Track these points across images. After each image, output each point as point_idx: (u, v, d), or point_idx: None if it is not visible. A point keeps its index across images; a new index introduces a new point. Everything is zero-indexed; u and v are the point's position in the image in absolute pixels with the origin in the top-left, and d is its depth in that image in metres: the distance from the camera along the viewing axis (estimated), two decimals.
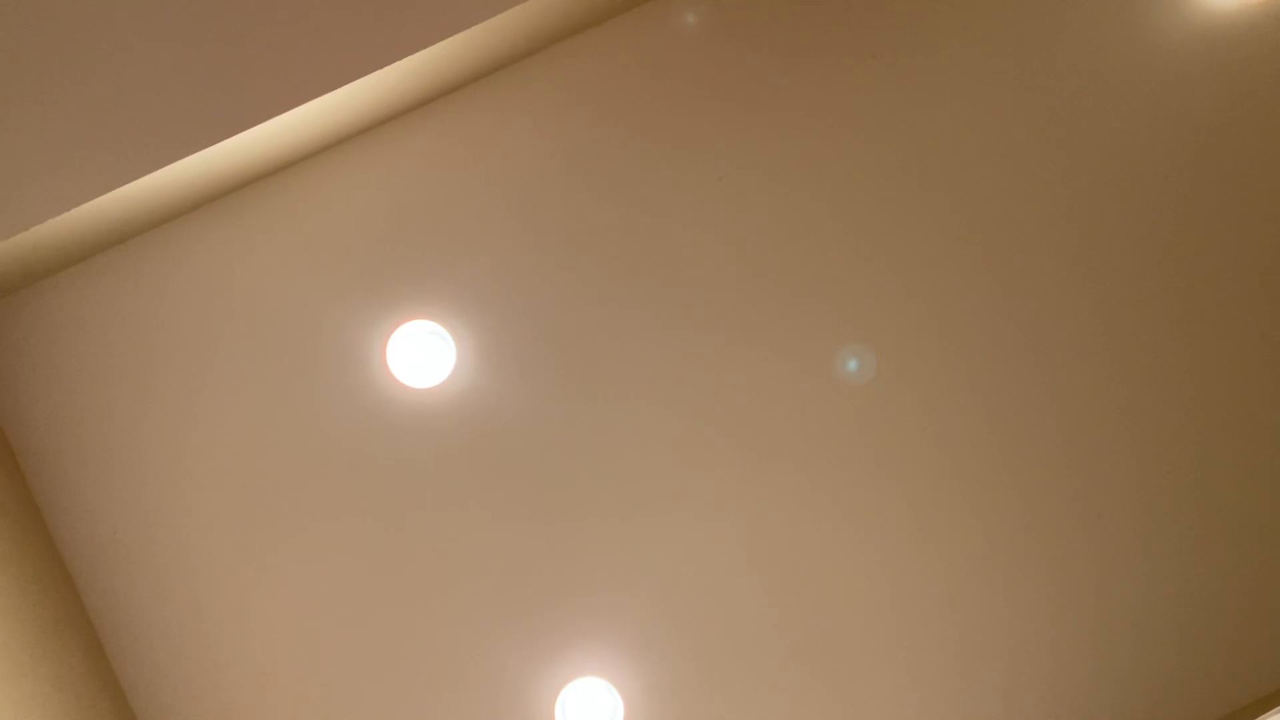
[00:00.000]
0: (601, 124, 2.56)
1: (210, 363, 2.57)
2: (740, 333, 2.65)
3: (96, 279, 2.52)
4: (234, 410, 2.59)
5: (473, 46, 2.29)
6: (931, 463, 2.70)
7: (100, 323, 2.53)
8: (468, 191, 2.57)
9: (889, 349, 2.66)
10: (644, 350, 2.65)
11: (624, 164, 2.58)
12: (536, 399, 2.66)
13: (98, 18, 2.09)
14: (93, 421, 2.56)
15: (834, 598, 2.74)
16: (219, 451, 2.60)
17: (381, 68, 2.13)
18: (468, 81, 2.50)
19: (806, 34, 2.54)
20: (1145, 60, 2.57)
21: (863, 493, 2.70)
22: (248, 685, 2.66)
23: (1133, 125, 2.60)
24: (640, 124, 2.56)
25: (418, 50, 2.14)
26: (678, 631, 2.72)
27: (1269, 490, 2.71)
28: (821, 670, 2.75)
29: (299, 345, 2.58)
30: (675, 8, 2.52)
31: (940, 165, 2.60)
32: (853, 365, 2.66)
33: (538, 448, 2.67)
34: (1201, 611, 2.72)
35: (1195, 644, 2.72)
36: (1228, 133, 2.60)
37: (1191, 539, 2.71)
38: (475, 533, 2.67)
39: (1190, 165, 2.62)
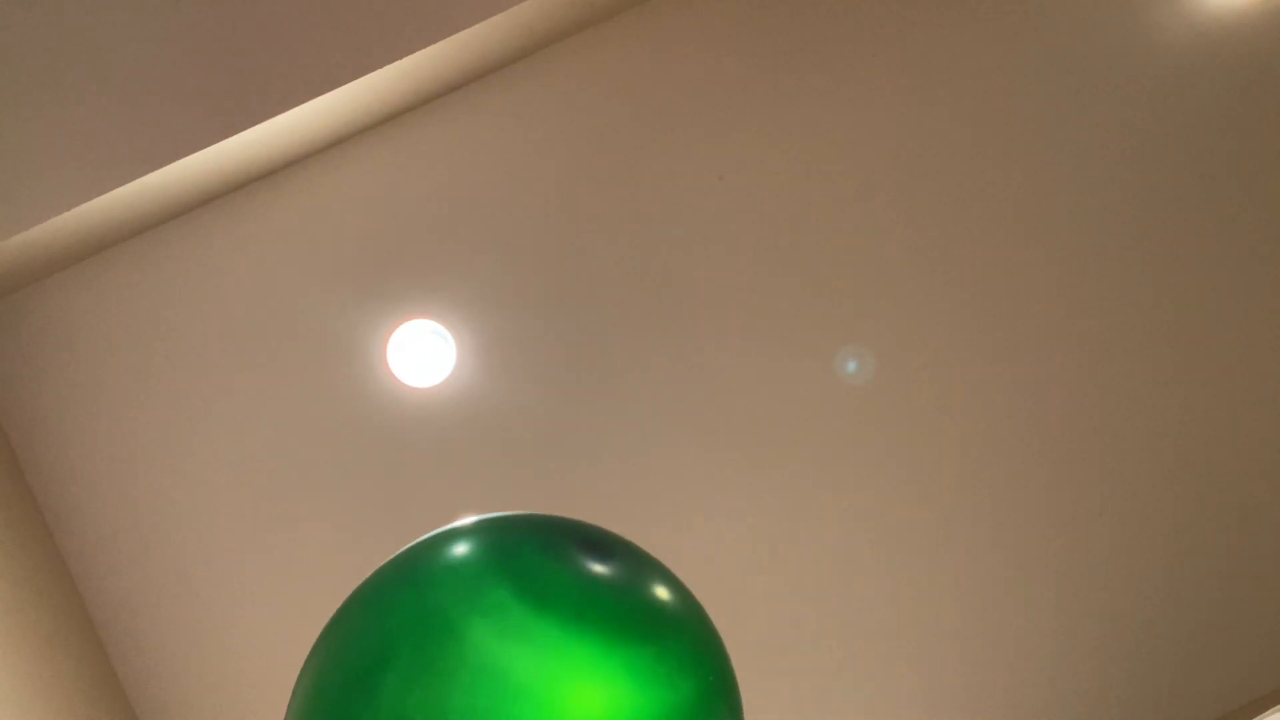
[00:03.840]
0: (601, 123, 2.56)
1: (210, 362, 2.57)
2: (740, 332, 2.65)
3: (96, 279, 2.52)
4: (234, 410, 2.59)
5: (472, 46, 2.29)
6: (931, 463, 2.70)
7: (100, 323, 2.53)
8: (467, 191, 2.57)
9: (890, 348, 2.66)
10: (644, 349, 2.65)
11: (624, 163, 2.58)
12: (536, 398, 2.66)
13: (98, 18, 2.09)
14: (93, 421, 2.56)
15: (834, 595, 2.74)
16: (219, 451, 2.60)
17: (381, 68, 2.13)
18: (467, 81, 2.50)
19: (806, 34, 2.54)
20: (1148, 57, 2.57)
21: (862, 491, 2.70)
22: (248, 685, 2.66)
23: (1135, 124, 2.60)
24: (640, 123, 2.56)
25: (418, 50, 2.14)
26: None
27: (1267, 491, 2.71)
28: (819, 669, 2.75)
29: (299, 345, 2.58)
30: (674, 7, 2.52)
31: (941, 164, 2.60)
32: (853, 365, 2.66)
33: (537, 447, 2.67)
34: (1200, 611, 2.72)
35: (1194, 644, 2.72)
36: (1231, 132, 2.61)
37: (1191, 539, 2.71)
38: None
39: (1192, 164, 2.62)
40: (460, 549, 1.03)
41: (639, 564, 1.05)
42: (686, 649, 0.98)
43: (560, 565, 0.96)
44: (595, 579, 0.96)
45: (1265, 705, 2.61)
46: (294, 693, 1.05)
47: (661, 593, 1.03)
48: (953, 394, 2.68)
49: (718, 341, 2.65)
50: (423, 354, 2.58)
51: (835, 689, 2.75)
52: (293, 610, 2.66)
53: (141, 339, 2.55)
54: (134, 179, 2.11)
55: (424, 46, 2.14)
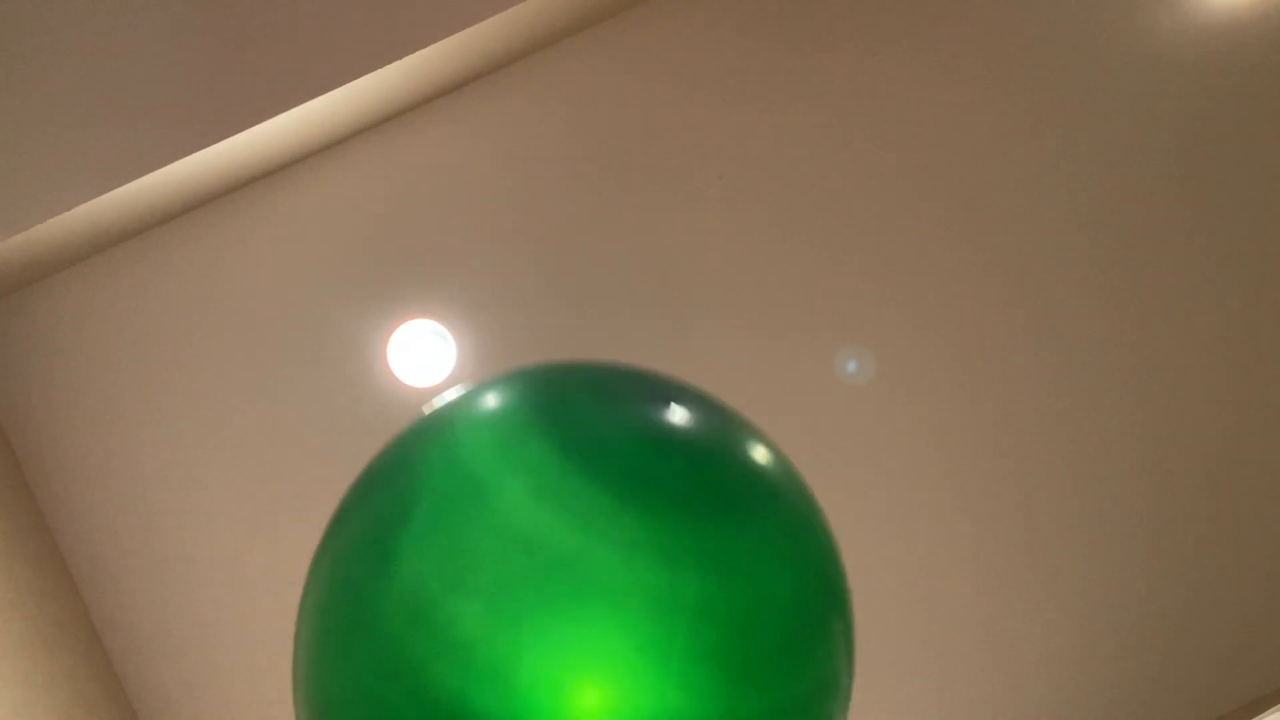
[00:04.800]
0: (601, 123, 2.56)
1: (210, 363, 2.57)
2: (741, 332, 2.65)
3: (96, 279, 2.52)
4: (234, 410, 2.59)
5: (473, 46, 2.29)
6: (929, 463, 2.70)
7: (100, 323, 2.53)
8: (468, 191, 2.57)
9: (890, 348, 2.66)
10: (644, 350, 2.65)
11: (624, 163, 2.58)
12: None
13: (98, 18, 2.09)
14: (93, 421, 2.56)
15: None
16: (219, 451, 2.60)
17: (381, 68, 2.13)
18: (467, 81, 2.50)
19: (806, 33, 2.55)
20: (1146, 57, 2.57)
21: (861, 492, 2.70)
22: (248, 685, 2.66)
23: (1135, 123, 2.60)
24: (640, 123, 2.57)
25: (417, 50, 2.14)
26: None
27: (1267, 490, 2.71)
28: None
29: (299, 345, 2.58)
30: (674, 7, 2.53)
31: (940, 163, 2.60)
32: (853, 366, 2.66)
33: None
34: (1200, 611, 2.72)
35: (1193, 643, 2.72)
36: (1230, 132, 2.61)
37: (1190, 538, 2.71)
38: None
39: (1191, 163, 2.62)
40: (498, 396, 0.79)
41: (723, 421, 0.76)
42: (780, 531, 0.72)
43: (616, 416, 0.72)
44: (661, 435, 0.71)
45: (1265, 705, 2.61)
46: (312, 566, 0.90)
47: (751, 458, 0.74)
48: (953, 393, 2.68)
49: (719, 341, 2.65)
50: (423, 354, 2.58)
51: None
52: (292, 611, 2.65)
53: (141, 339, 2.55)
54: (134, 179, 2.12)
55: (424, 46, 2.14)
